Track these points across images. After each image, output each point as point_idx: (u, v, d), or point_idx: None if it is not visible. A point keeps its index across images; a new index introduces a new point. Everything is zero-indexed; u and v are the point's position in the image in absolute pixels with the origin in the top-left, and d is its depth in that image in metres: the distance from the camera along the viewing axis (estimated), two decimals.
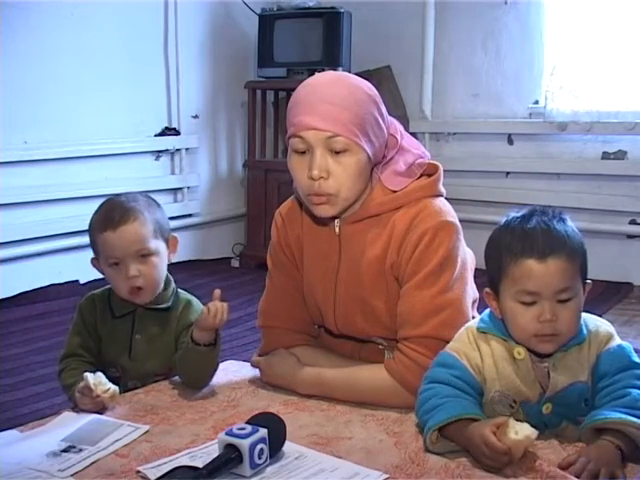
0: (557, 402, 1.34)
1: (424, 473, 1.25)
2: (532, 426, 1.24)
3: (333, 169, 1.47)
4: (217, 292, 1.60)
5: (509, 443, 1.21)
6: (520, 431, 1.21)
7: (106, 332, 1.71)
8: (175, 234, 1.76)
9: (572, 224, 1.34)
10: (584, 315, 1.37)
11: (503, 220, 1.37)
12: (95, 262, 1.71)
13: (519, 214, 1.35)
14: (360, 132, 1.47)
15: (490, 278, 1.36)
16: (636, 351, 1.38)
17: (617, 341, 1.36)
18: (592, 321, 1.38)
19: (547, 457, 1.28)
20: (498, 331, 1.37)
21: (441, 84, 4.62)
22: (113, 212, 1.65)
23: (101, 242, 1.65)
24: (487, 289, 1.37)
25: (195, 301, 1.75)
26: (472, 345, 1.38)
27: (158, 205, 1.74)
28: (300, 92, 1.51)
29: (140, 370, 1.69)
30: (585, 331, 1.35)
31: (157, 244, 1.67)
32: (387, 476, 1.23)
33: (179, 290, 1.77)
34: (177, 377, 1.70)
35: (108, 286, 1.74)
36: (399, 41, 4.69)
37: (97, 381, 1.50)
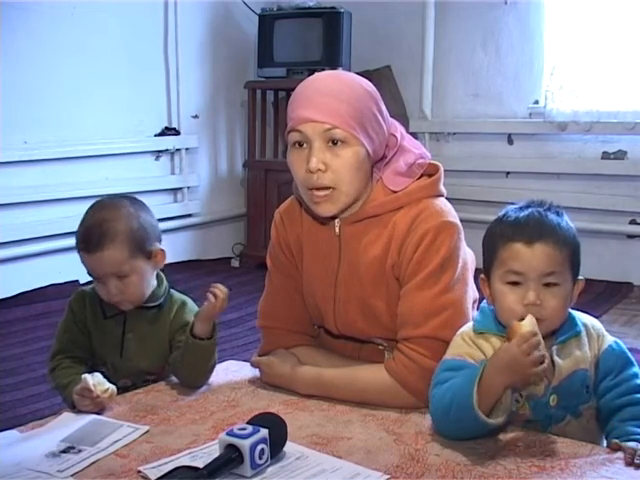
0: (562, 392, 1.36)
1: (425, 471, 1.25)
2: (538, 421, 1.31)
3: (331, 162, 1.47)
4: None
5: (524, 329, 1.26)
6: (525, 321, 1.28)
7: (96, 330, 1.71)
8: (162, 247, 1.72)
9: (567, 218, 1.39)
10: (575, 312, 1.42)
11: (502, 211, 1.43)
12: None
13: (517, 205, 1.41)
14: (358, 126, 1.47)
15: (484, 264, 1.41)
16: (637, 351, 1.40)
17: (610, 337, 1.43)
18: (583, 316, 1.44)
19: (558, 450, 1.30)
20: (495, 329, 1.38)
21: (441, 84, 4.62)
22: (90, 234, 1.64)
23: (82, 259, 1.67)
24: (482, 275, 1.41)
25: (190, 302, 1.75)
26: (471, 345, 1.39)
27: (145, 210, 1.71)
28: (299, 88, 1.52)
29: (131, 369, 1.69)
30: (580, 324, 1.40)
31: (134, 264, 1.65)
32: (388, 476, 1.23)
33: (173, 290, 1.77)
34: (174, 378, 1.70)
35: None
36: (399, 41, 4.69)
37: (96, 381, 1.50)
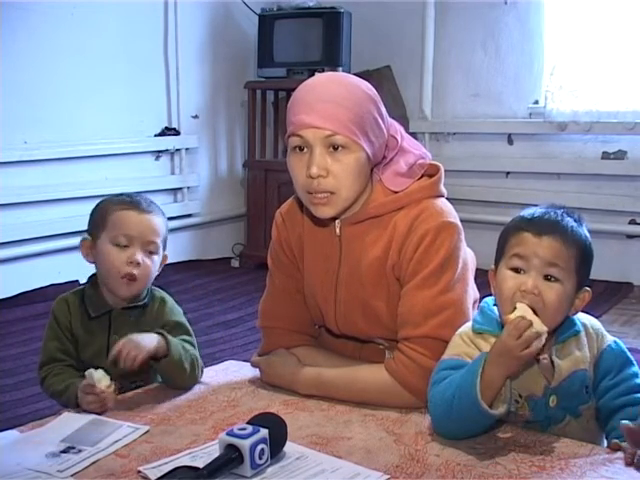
0: (561, 393, 1.36)
1: (425, 471, 1.25)
2: (537, 422, 1.32)
3: (332, 168, 1.46)
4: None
5: (516, 314, 1.29)
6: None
7: (82, 334, 1.69)
8: (166, 253, 1.76)
9: (585, 228, 1.39)
10: None
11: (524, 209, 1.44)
12: (87, 244, 1.70)
13: (540, 206, 1.42)
14: (359, 131, 1.46)
15: (496, 257, 1.42)
16: (636, 351, 1.40)
17: (609, 337, 1.44)
18: (582, 316, 1.44)
19: (558, 450, 1.30)
20: (494, 330, 1.38)
21: (441, 84, 4.63)
22: (139, 199, 1.70)
23: (118, 218, 1.66)
24: (492, 266, 1.42)
25: (168, 298, 1.75)
26: (469, 345, 1.39)
27: None
28: (299, 92, 1.51)
29: (118, 372, 1.67)
30: (579, 324, 1.41)
31: (161, 247, 1.71)
32: (388, 476, 1.23)
33: (153, 287, 1.76)
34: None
35: (80, 287, 1.74)
36: (399, 41, 4.69)
37: (100, 376, 1.50)
